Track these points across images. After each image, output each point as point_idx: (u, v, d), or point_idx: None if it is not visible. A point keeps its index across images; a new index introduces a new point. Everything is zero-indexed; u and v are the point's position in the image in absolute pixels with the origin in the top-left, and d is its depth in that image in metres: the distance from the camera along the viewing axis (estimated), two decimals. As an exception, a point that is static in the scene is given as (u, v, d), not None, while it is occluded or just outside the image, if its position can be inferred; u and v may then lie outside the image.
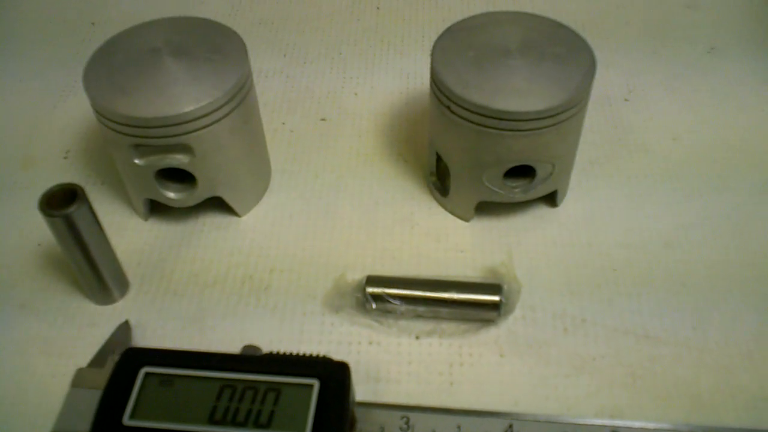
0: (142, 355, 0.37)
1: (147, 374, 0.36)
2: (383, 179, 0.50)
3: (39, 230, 0.46)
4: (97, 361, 0.39)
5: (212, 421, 0.34)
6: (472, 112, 0.40)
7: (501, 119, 0.40)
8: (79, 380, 0.38)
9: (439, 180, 0.48)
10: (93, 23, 0.65)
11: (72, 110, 0.56)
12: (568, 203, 0.47)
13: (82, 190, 0.38)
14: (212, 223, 0.47)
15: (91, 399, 0.36)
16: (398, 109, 0.55)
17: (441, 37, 0.44)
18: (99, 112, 0.41)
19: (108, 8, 0.66)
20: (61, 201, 0.38)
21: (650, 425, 0.35)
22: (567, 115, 0.40)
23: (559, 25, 0.44)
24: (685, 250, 0.45)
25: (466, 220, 0.46)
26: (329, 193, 0.49)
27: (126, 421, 0.34)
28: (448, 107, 0.41)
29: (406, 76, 0.58)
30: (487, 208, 0.46)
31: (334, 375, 0.35)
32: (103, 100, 0.40)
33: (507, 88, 0.40)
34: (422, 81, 0.57)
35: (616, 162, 0.50)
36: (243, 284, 0.44)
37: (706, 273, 0.43)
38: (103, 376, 0.37)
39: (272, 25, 0.63)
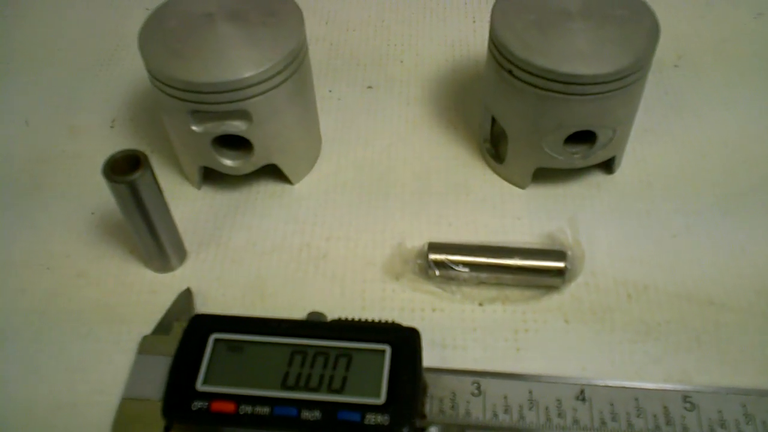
0: (210, 321, 0.37)
1: (216, 340, 0.36)
2: (434, 147, 0.49)
3: (91, 199, 0.46)
4: (162, 328, 0.39)
5: (285, 386, 0.34)
6: (535, 75, 0.39)
7: (567, 83, 0.39)
8: (145, 347, 0.38)
9: (494, 147, 0.47)
10: (130, -9, 0.64)
11: (116, 77, 0.55)
12: (624, 170, 0.47)
13: (145, 156, 0.37)
14: (265, 191, 0.47)
15: (159, 365, 0.36)
16: (445, 76, 0.54)
17: (500, 0, 0.43)
18: (156, 78, 0.41)
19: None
20: (125, 167, 0.37)
21: (721, 390, 0.35)
22: (633, 78, 0.40)
23: (618, -12, 0.44)
24: (744, 214, 0.44)
25: (522, 187, 0.46)
26: (381, 160, 0.48)
27: (199, 386, 0.34)
28: (510, 71, 0.41)
29: (451, 43, 0.57)
30: (541, 175, 0.46)
31: (405, 340, 0.35)
32: (161, 66, 0.40)
33: (571, 52, 0.39)
34: (467, 48, 0.57)
35: (669, 128, 0.50)
36: (300, 252, 0.43)
37: (767, 236, 0.43)
38: (169, 342, 0.37)
39: (312, -8, 0.63)
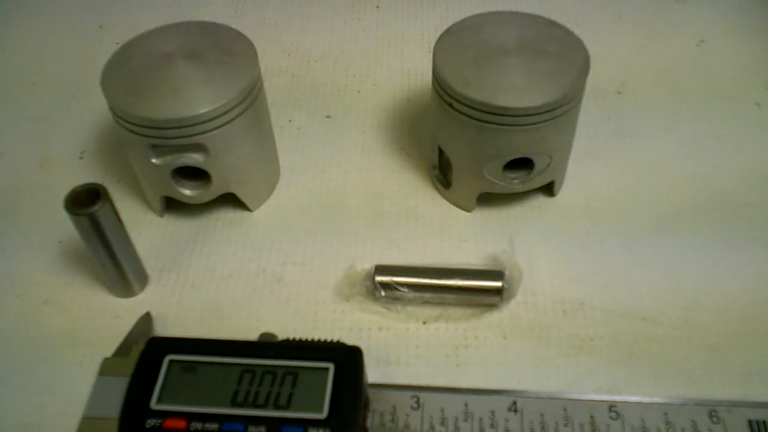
0: (165, 343, 0.39)
1: (171, 361, 0.38)
2: (387, 173, 0.52)
3: (59, 228, 0.48)
4: (122, 350, 0.41)
5: (234, 403, 0.36)
6: (473, 108, 0.42)
7: (500, 115, 0.42)
8: (105, 369, 0.40)
9: (442, 173, 0.50)
10: (101, 26, 0.66)
11: (85, 111, 0.58)
12: (565, 193, 0.50)
13: (104, 189, 0.40)
14: (225, 218, 0.49)
15: (118, 386, 0.38)
16: (400, 104, 0.57)
17: (441, 38, 0.46)
18: (117, 115, 0.43)
19: (114, 11, 0.68)
20: (85, 200, 0.40)
21: (645, 400, 0.38)
22: (563, 110, 0.42)
23: (553, 24, 0.47)
24: (677, 236, 0.47)
25: (468, 210, 0.49)
26: (336, 187, 0.51)
27: (153, 405, 0.36)
28: (450, 104, 0.43)
29: (407, 72, 0.60)
30: (487, 199, 0.48)
31: (347, 358, 0.37)
32: (121, 104, 0.42)
33: (505, 86, 0.42)
34: (422, 77, 0.59)
35: (610, 153, 0.52)
36: (257, 276, 0.46)
37: (697, 257, 0.46)
38: (128, 364, 0.39)
39: (276, 25, 0.65)
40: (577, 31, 0.46)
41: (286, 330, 0.42)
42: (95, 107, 0.58)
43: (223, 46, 0.46)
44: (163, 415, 0.36)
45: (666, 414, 0.37)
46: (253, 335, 0.41)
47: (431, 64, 0.60)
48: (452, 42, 0.45)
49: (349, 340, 0.39)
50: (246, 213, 0.49)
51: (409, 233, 0.48)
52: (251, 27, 0.64)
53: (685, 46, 0.62)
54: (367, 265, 0.45)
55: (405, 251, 0.47)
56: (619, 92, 0.57)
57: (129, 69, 0.45)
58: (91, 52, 0.64)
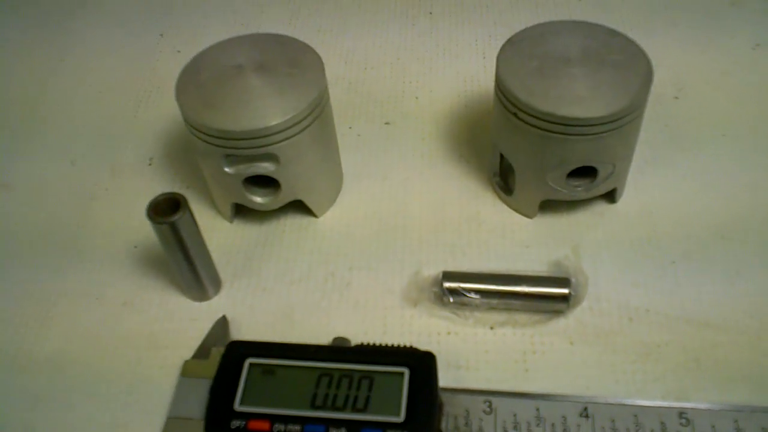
0: (245, 347, 0.40)
1: (251, 365, 0.39)
2: (448, 180, 0.53)
3: (134, 233, 0.50)
4: (201, 352, 0.43)
5: (314, 406, 0.38)
6: (538, 118, 0.43)
7: (566, 125, 0.42)
8: (187, 370, 0.41)
9: (503, 180, 0.51)
10: (161, 35, 0.68)
11: (151, 118, 0.59)
12: (626, 200, 0.50)
13: (184, 199, 0.41)
14: (292, 224, 0.51)
15: (200, 387, 0.40)
16: (457, 111, 0.58)
17: (504, 48, 0.47)
18: (193, 126, 0.45)
19: (174, 20, 0.70)
20: (166, 208, 0.41)
21: (715, 407, 0.38)
22: (627, 119, 0.43)
23: (615, 33, 0.47)
24: (740, 241, 0.47)
25: (530, 217, 0.49)
26: (398, 194, 0.52)
27: (237, 407, 0.38)
28: (515, 114, 0.44)
29: (463, 79, 0.61)
30: (549, 205, 0.49)
31: (421, 363, 0.39)
32: (197, 116, 0.44)
33: (570, 96, 0.43)
34: (478, 84, 0.60)
35: (669, 159, 0.53)
36: (326, 281, 0.47)
37: (761, 262, 0.46)
38: (208, 366, 0.41)
39: (331, 33, 0.67)
40: (631, 36, 0.47)
41: (356, 334, 0.43)
42: (161, 114, 0.59)
43: (290, 58, 0.47)
44: (247, 417, 0.37)
45: (736, 421, 0.38)
46: (324, 339, 0.43)
47: (487, 70, 0.62)
48: (515, 52, 0.46)
49: (419, 345, 0.40)
50: (312, 219, 0.51)
51: (471, 239, 0.49)
52: (307, 35, 0.66)
53: (741, 50, 0.61)
54: (433, 270, 0.46)
55: (469, 257, 0.48)
56: (676, 97, 0.58)
57: (201, 81, 0.46)
58: (152, 60, 0.66)
